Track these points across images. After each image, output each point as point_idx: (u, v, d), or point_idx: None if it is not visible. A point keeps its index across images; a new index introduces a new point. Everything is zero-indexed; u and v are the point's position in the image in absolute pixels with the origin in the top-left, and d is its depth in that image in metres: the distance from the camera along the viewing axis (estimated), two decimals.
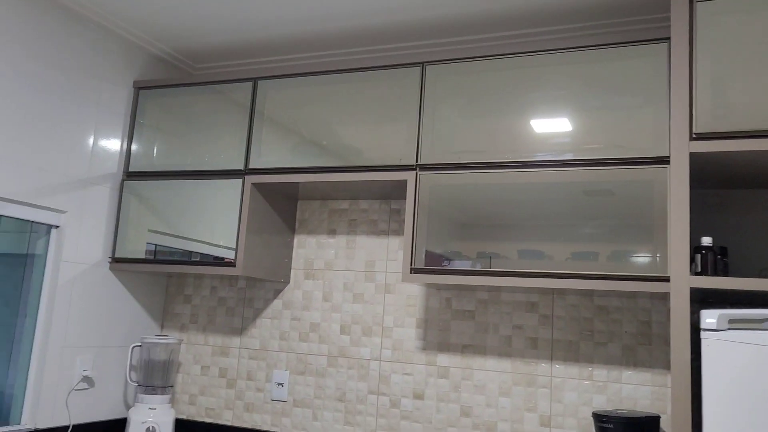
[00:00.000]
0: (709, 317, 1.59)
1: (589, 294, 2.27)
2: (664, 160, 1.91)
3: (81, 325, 2.52)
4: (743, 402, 1.51)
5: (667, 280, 1.84)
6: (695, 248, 1.74)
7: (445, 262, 2.14)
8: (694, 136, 1.69)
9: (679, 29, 1.73)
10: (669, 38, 1.96)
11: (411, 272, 2.17)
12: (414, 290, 2.52)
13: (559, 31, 2.34)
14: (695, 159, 1.72)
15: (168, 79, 2.71)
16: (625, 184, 1.96)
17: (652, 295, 2.17)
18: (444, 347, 2.44)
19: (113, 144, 2.68)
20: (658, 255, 1.87)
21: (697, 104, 1.69)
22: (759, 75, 1.64)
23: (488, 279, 2.07)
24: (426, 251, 2.17)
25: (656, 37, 1.97)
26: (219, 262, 2.45)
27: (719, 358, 1.57)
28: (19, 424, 2.34)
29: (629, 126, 1.98)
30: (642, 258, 1.90)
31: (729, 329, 1.58)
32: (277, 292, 2.75)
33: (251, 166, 2.48)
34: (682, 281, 1.61)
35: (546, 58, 2.12)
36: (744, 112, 1.65)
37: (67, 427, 2.45)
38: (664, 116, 1.93)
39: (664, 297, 2.17)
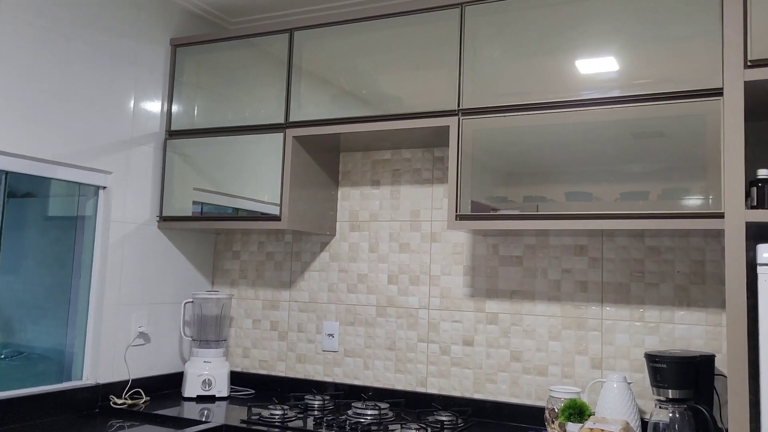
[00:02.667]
0: (766, 251, 1.54)
1: (639, 235, 2.22)
2: (717, 92, 1.83)
3: (134, 283, 2.59)
4: None
5: (721, 216, 1.78)
6: (751, 182, 1.68)
7: (491, 211, 2.11)
8: (749, 63, 1.61)
9: None
10: None
11: (456, 219, 2.15)
12: (460, 238, 2.51)
13: None
14: (750, 87, 1.64)
15: (204, 35, 2.70)
16: (676, 120, 1.89)
17: (706, 233, 2.11)
18: (492, 294, 2.43)
19: (154, 103, 2.70)
20: (711, 192, 1.81)
21: (752, 29, 1.61)
22: None
23: (535, 223, 2.04)
24: (471, 201, 2.14)
25: None
26: (265, 216, 2.47)
27: None
28: (81, 380, 2.44)
29: (680, 58, 1.89)
30: (695, 195, 1.84)
31: None
32: (323, 245, 2.77)
33: (291, 119, 2.47)
34: (737, 215, 1.56)
35: None
36: None
37: (127, 381, 2.54)
38: (717, 46, 1.84)
39: (718, 235, 2.10)
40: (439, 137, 2.41)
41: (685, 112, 1.88)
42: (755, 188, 1.63)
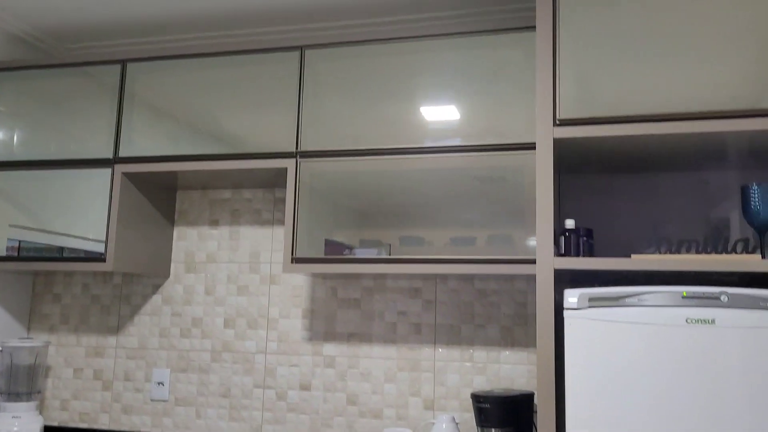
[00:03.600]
0: (571, 296, 1.65)
1: (469, 278, 2.31)
2: (532, 146, 1.98)
3: None
4: (603, 377, 1.58)
5: (534, 262, 1.90)
6: (560, 231, 1.81)
7: (346, 251, 2.11)
8: (557, 122, 1.75)
9: (544, 16, 1.78)
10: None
11: (292, 262, 2.13)
12: (299, 280, 2.48)
13: (438, 18, 2.36)
14: (559, 144, 1.78)
15: (27, 60, 2.51)
16: (498, 170, 2.01)
17: (528, 277, 2.25)
18: (330, 336, 2.42)
19: None
20: (528, 239, 1.94)
21: (560, 90, 1.75)
22: (619, 64, 1.72)
23: (369, 267, 2.06)
24: (327, 240, 2.13)
25: (528, 25, 2.04)
26: (88, 257, 2.30)
27: (580, 335, 1.63)
28: None
29: (502, 113, 2.03)
30: (515, 242, 1.96)
31: (589, 307, 1.65)
32: (156, 287, 2.62)
33: (121, 154, 2.34)
34: (546, 262, 1.67)
35: (424, 44, 2.13)
36: (605, 98, 1.72)
37: None
38: (531, 104, 2.00)
39: None
40: (280, 178, 2.39)
41: (506, 164, 2.01)
42: (563, 237, 1.75)
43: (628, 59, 1.72)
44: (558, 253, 1.78)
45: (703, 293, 1.53)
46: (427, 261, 2.02)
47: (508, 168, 2.01)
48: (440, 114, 2.09)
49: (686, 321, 1.54)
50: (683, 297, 1.54)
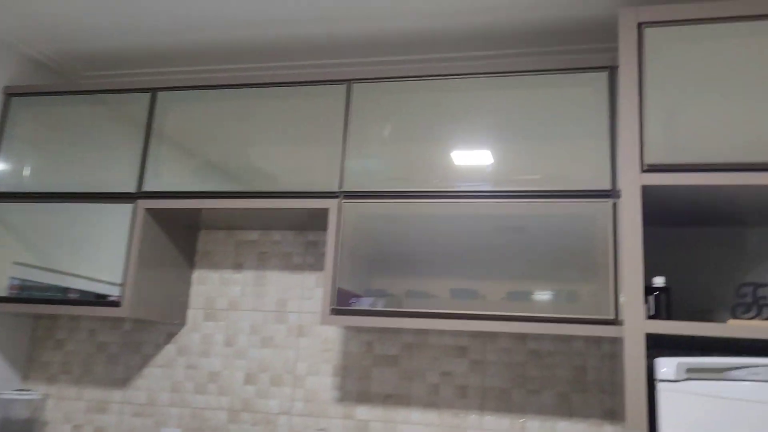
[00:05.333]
0: (666, 366, 1.45)
1: (521, 337, 2.10)
2: (606, 194, 1.80)
3: None
4: None
5: (612, 323, 1.70)
6: (646, 289, 1.61)
7: (357, 301, 1.90)
8: (645, 167, 1.57)
9: (628, 53, 1.62)
10: (609, 67, 1.87)
11: (332, 313, 1.91)
12: (331, 333, 2.25)
13: (494, 56, 2.21)
14: (647, 192, 1.60)
15: (47, 86, 2.33)
16: (563, 219, 1.82)
17: (587, 339, 2.04)
18: (364, 398, 2.18)
19: None
20: (603, 296, 1.73)
21: (647, 133, 1.58)
22: (707, 106, 1.56)
23: (416, 321, 1.84)
24: (340, 289, 1.92)
25: (593, 65, 1.89)
26: (101, 301, 2.07)
27: (677, 410, 1.42)
28: None
29: (567, 157, 1.85)
30: (585, 299, 1.75)
31: (687, 379, 1.44)
32: (170, 336, 2.38)
33: (145, 188, 2.14)
34: (637, 326, 1.46)
35: (480, 82, 1.97)
36: (694, 144, 1.55)
37: None
38: (603, 148, 1.82)
39: (598, 340, 2.04)
40: (313, 220, 2.19)
41: (574, 212, 1.82)
42: (653, 297, 1.56)
43: (717, 101, 1.56)
44: (648, 316, 1.57)
45: None
46: (483, 317, 1.80)
47: (576, 217, 1.82)
48: (493, 155, 1.91)
49: None
50: None
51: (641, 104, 1.61)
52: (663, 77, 1.60)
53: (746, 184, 1.50)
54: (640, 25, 1.61)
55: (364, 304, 1.90)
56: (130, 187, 2.15)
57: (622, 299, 1.60)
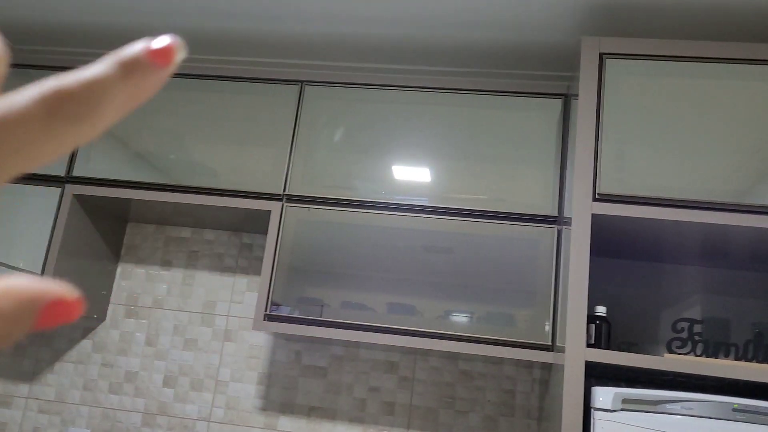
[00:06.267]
0: (602, 395, 1.46)
1: (453, 357, 2.08)
2: (551, 219, 1.81)
3: None
4: None
5: (548, 348, 1.71)
6: (588, 317, 1.63)
7: (276, 309, 1.84)
8: (597, 196, 1.59)
9: (588, 83, 1.64)
10: (564, 95, 1.90)
11: (265, 319, 1.84)
12: (258, 340, 2.17)
13: (451, 73, 2.21)
14: (595, 221, 1.62)
15: None
16: (506, 242, 1.83)
17: (518, 363, 2.05)
18: (288, 409, 2.11)
19: None
20: (540, 321, 1.74)
21: (602, 163, 1.60)
22: (659, 141, 1.59)
23: (350, 333, 1.80)
24: (273, 297, 1.85)
25: (549, 92, 1.91)
26: None
27: None
28: None
29: (514, 180, 1.86)
30: (522, 323, 1.76)
31: (622, 410, 1.46)
32: (86, 331, 2.24)
33: (75, 173, 2.01)
34: (578, 353, 1.47)
35: (435, 97, 1.96)
36: (644, 177, 1.58)
37: None
38: (551, 174, 1.84)
39: (530, 365, 2.05)
40: (250, 222, 2.12)
41: (517, 236, 1.83)
42: (593, 326, 1.57)
43: (667, 137, 1.60)
44: (588, 344, 1.58)
45: (756, 407, 1.36)
46: (421, 334, 1.78)
47: (519, 241, 1.83)
48: (440, 171, 1.90)
49: None
50: (734, 409, 1.37)
51: (598, 133, 1.63)
52: (620, 108, 1.63)
53: (689, 220, 1.54)
54: (601, 56, 1.64)
55: (283, 312, 1.84)
56: (59, 171, 2.02)
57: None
